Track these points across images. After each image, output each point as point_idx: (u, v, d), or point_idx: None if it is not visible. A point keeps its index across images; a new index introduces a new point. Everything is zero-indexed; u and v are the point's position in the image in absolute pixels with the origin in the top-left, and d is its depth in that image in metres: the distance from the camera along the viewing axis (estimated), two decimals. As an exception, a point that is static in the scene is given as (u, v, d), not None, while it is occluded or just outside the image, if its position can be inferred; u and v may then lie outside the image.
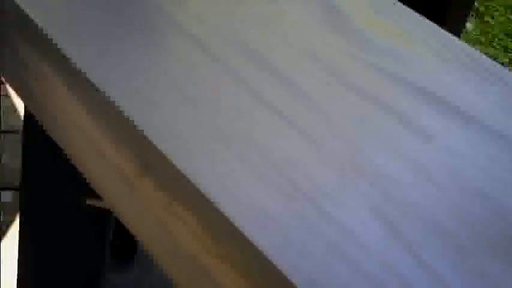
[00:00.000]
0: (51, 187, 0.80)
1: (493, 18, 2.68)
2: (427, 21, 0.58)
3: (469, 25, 2.57)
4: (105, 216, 0.78)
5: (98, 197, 0.77)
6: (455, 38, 0.57)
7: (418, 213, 0.38)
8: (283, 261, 0.33)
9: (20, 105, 1.84)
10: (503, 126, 0.46)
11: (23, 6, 0.46)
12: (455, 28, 1.30)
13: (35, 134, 0.77)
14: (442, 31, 0.57)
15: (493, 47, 2.50)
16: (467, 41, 2.49)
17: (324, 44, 0.51)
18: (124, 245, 1.13)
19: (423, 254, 0.36)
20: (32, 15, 0.45)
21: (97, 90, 0.41)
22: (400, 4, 0.59)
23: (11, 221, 1.55)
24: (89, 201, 0.76)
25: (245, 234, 0.34)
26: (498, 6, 2.75)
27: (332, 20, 0.54)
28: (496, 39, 2.54)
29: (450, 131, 0.45)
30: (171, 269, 0.39)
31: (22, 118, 1.76)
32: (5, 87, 1.87)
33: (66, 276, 0.84)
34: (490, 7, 2.74)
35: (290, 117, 0.43)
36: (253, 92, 0.44)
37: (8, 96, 1.86)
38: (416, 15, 0.59)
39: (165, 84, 0.43)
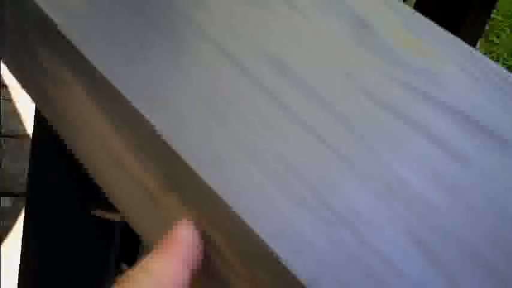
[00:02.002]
0: (57, 195, 0.78)
1: (498, 37, 2.67)
2: (456, 38, 0.56)
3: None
4: (112, 228, 0.76)
5: (104, 208, 0.75)
6: (485, 57, 0.55)
7: (456, 239, 0.36)
8: (316, 285, 0.31)
9: (21, 109, 1.82)
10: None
11: (46, 10, 0.44)
12: (471, 43, 1.28)
13: (45, 140, 0.75)
14: (471, 49, 0.56)
15: (499, 66, 2.49)
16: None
17: (357, 61, 0.49)
18: (131, 259, 1.10)
19: (462, 284, 0.34)
20: (55, 19, 0.43)
21: (123, 99, 0.39)
22: (428, 21, 0.58)
23: (11, 227, 1.52)
24: (95, 212, 0.74)
25: (278, 258, 0.32)
26: (503, 26, 2.74)
27: (361, 34, 0.52)
28: (501, 59, 2.53)
29: (484, 153, 0.43)
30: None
31: (23, 122, 1.74)
32: (7, 91, 1.85)
33: (71, 286, 0.82)
34: (495, 27, 2.73)
35: (322, 135, 0.41)
36: (283, 107, 0.42)
37: (8, 100, 1.84)
38: (445, 32, 0.57)
39: (193, 95, 0.41)
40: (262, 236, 0.33)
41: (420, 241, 0.35)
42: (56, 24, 0.43)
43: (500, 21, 2.73)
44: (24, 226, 0.83)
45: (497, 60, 2.50)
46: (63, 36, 0.43)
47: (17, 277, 0.86)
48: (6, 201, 1.59)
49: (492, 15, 2.73)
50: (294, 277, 0.32)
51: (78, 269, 0.80)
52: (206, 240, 0.36)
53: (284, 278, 0.32)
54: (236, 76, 0.43)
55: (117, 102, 0.40)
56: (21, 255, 0.85)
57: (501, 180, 0.41)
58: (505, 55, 2.54)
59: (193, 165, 0.36)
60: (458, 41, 0.56)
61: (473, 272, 0.35)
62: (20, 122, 1.78)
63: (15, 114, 1.80)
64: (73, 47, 0.42)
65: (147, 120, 0.38)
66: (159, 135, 0.37)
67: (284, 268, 0.32)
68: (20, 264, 0.85)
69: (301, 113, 0.42)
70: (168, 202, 0.38)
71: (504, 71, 0.54)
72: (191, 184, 0.36)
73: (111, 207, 0.72)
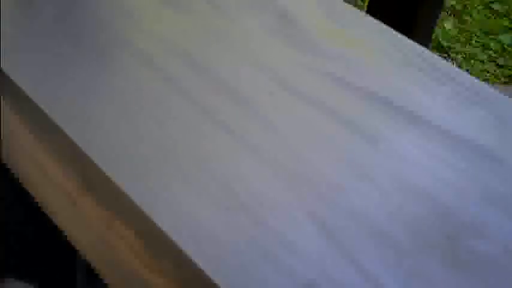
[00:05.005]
0: (19, 202, 0.80)
1: (471, 16, 2.69)
2: (381, 25, 0.58)
3: (447, 24, 2.58)
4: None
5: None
6: (408, 40, 0.57)
7: (358, 217, 0.38)
8: (217, 273, 0.33)
9: None
10: (451, 125, 0.47)
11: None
12: (427, 28, 1.30)
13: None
14: (395, 34, 0.58)
15: (472, 45, 2.51)
16: (446, 40, 2.50)
17: (273, 53, 0.51)
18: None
19: (359, 257, 0.36)
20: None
21: (40, 111, 0.42)
22: (354, 10, 0.60)
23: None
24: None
25: (180, 248, 0.34)
26: (476, 5, 2.76)
27: (284, 29, 0.54)
28: (475, 37, 2.55)
29: (397, 133, 0.45)
30: (113, 282, 0.39)
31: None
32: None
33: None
34: (467, 6, 2.75)
35: (233, 128, 0.43)
36: (199, 107, 0.44)
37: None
38: (370, 19, 0.59)
39: (108, 101, 0.43)
40: (165, 229, 0.35)
41: (321, 221, 0.38)
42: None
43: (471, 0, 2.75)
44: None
45: (470, 39, 2.52)
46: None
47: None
48: None
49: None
50: (195, 265, 0.34)
51: (50, 273, 0.82)
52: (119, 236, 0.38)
53: (187, 267, 0.34)
54: (152, 80, 0.45)
55: (36, 114, 0.42)
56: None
57: (410, 158, 0.43)
58: (478, 33, 2.56)
59: (105, 168, 0.38)
60: (384, 28, 0.58)
61: (370, 245, 0.37)
62: None
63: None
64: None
65: (62, 130, 0.40)
66: (74, 142, 0.40)
67: (186, 257, 0.34)
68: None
69: (213, 108, 0.44)
70: (85, 203, 0.40)
71: (433, 55, 0.56)
72: (104, 185, 0.38)
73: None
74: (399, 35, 0.58)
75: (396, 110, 0.48)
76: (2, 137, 0.47)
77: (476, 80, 0.53)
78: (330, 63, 0.51)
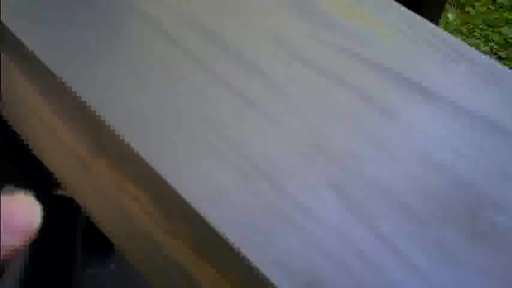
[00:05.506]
0: (17, 178, 0.79)
1: (473, 8, 2.68)
2: (393, 2, 0.58)
3: (450, 15, 2.58)
4: (76, 206, 0.77)
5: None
6: (422, 19, 0.57)
7: (377, 187, 0.38)
8: (235, 235, 0.33)
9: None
10: (466, 102, 0.46)
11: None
12: (431, 19, 1.30)
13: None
14: (408, 12, 0.57)
15: (474, 36, 2.50)
16: (448, 31, 2.50)
17: (286, 25, 0.50)
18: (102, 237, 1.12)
19: (380, 226, 0.35)
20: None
21: (51, 73, 0.41)
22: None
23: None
24: (57, 192, 0.75)
25: (196, 210, 0.34)
26: (479, -3, 2.76)
27: (296, 2, 0.54)
28: (477, 29, 2.55)
29: (413, 107, 0.45)
30: (126, 246, 0.39)
31: None
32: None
33: (37, 269, 0.83)
34: (471, -3, 2.74)
35: (249, 98, 0.42)
36: (211, 74, 0.43)
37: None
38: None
39: (120, 66, 0.42)
40: (180, 190, 0.34)
41: (341, 190, 0.37)
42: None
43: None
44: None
45: (473, 31, 2.52)
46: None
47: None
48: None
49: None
50: (211, 227, 0.33)
51: (46, 250, 0.82)
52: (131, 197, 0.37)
53: (203, 229, 0.34)
54: (165, 46, 0.45)
55: (46, 77, 0.41)
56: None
57: (427, 131, 0.43)
58: (481, 25, 2.56)
59: (118, 129, 0.37)
60: (394, 4, 0.58)
61: (392, 215, 0.36)
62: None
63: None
64: (5, 28, 0.44)
65: (73, 91, 0.39)
66: (86, 104, 0.39)
67: (202, 219, 0.33)
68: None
69: (227, 77, 0.43)
70: (97, 166, 0.39)
71: (445, 33, 0.55)
72: (117, 147, 0.37)
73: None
74: (410, 12, 0.57)
75: (411, 85, 0.47)
76: (8, 99, 0.46)
77: (487, 58, 0.52)
78: (344, 36, 0.51)
